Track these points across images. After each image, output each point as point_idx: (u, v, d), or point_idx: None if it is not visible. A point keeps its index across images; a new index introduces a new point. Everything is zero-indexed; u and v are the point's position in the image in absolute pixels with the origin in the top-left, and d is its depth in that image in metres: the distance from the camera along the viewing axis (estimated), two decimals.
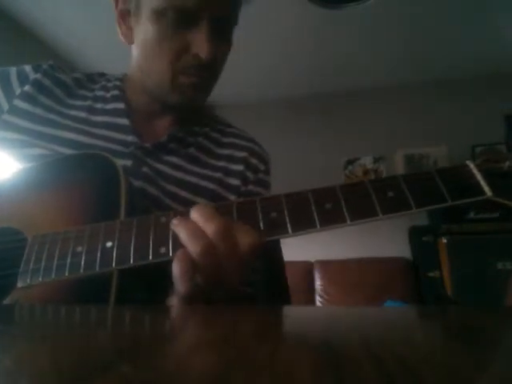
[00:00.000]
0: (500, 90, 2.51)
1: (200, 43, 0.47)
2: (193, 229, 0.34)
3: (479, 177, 0.34)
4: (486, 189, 0.34)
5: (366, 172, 2.67)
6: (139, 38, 0.51)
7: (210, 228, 0.33)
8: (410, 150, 2.61)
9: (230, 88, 2.68)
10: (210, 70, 0.51)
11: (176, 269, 0.33)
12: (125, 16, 0.53)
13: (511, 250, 1.92)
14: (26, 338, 0.19)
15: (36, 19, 1.96)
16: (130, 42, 0.53)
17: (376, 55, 2.35)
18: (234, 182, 0.56)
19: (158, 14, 0.47)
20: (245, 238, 0.33)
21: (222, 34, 0.50)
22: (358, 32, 2.10)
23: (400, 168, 2.61)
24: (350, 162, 2.70)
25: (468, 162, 0.36)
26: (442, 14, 1.96)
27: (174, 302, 0.36)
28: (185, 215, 0.36)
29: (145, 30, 0.49)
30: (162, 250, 0.34)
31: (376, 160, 2.67)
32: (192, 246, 0.33)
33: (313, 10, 1.81)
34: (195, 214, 0.35)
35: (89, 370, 0.12)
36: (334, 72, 2.54)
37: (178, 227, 0.34)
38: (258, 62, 2.38)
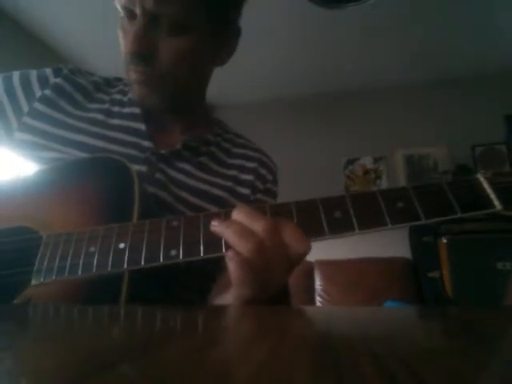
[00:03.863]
0: (500, 90, 2.51)
1: (127, 37, 0.47)
2: (240, 228, 0.33)
3: (489, 190, 0.34)
4: (497, 203, 0.34)
5: (366, 172, 2.67)
6: None
7: (258, 226, 0.33)
8: (410, 150, 2.61)
9: (231, 88, 2.68)
10: (142, 64, 0.48)
11: (235, 273, 0.33)
12: None
13: (511, 250, 1.92)
14: (29, 337, 0.19)
15: (36, 19, 1.96)
16: None
17: (376, 55, 2.35)
18: (244, 190, 0.58)
19: (120, 17, 0.49)
20: (297, 244, 0.33)
21: (165, 29, 0.47)
22: (358, 32, 2.10)
23: (400, 168, 2.61)
24: (350, 162, 2.70)
25: (478, 175, 0.36)
26: (441, 14, 1.96)
27: (233, 301, 0.36)
28: (196, 220, 0.36)
29: None
30: (173, 252, 0.35)
31: (376, 160, 2.67)
32: (243, 245, 0.32)
33: (313, 10, 1.81)
34: (240, 215, 0.34)
35: (90, 369, 0.12)
36: (334, 72, 2.54)
37: (220, 227, 0.34)
38: (258, 62, 2.38)
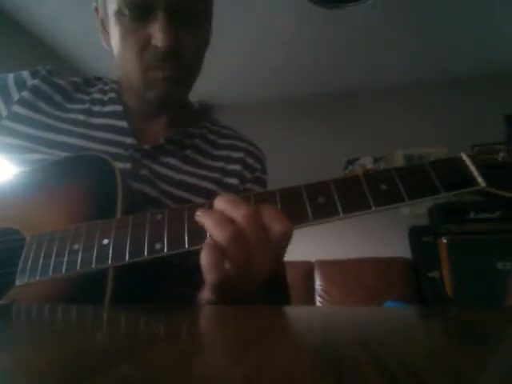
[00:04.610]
0: (500, 90, 2.51)
1: (156, 34, 0.46)
2: (219, 216, 0.33)
3: (472, 168, 0.34)
4: (480, 179, 0.34)
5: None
6: (112, 42, 0.52)
7: (238, 213, 0.32)
8: (410, 150, 2.61)
9: (231, 88, 2.68)
10: (175, 61, 0.49)
11: (204, 258, 0.32)
12: (103, 24, 0.54)
13: (511, 250, 1.92)
14: (24, 338, 0.19)
15: (36, 19, 1.96)
16: (110, 47, 0.54)
17: (376, 55, 2.35)
18: (232, 181, 0.57)
19: (118, 15, 0.48)
20: (277, 226, 0.32)
21: (186, 22, 0.48)
22: (358, 32, 2.10)
23: None
24: (350, 162, 2.71)
25: (461, 154, 0.36)
26: (441, 14, 1.96)
27: (204, 294, 0.35)
28: (180, 212, 0.36)
29: (113, 33, 0.51)
30: (157, 246, 0.35)
31: (376, 160, 2.67)
32: (220, 233, 0.32)
33: (313, 10, 1.81)
34: (221, 203, 0.34)
35: (88, 370, 0.12)
36: (334, 72, 2.54)
37: (202, 217, 0.34)
38: (259, 62, 2.38)
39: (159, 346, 0.16)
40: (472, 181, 0.34)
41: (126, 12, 0.47)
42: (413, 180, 0.34)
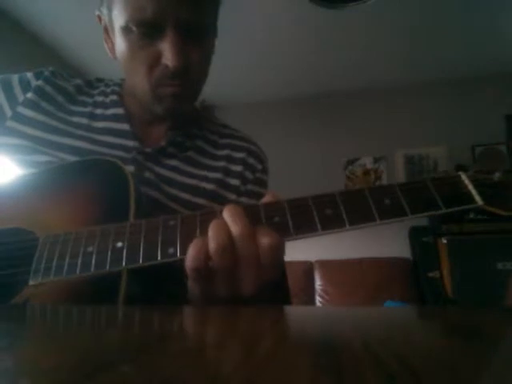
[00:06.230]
0: (500, 89, 2.52)
1: (166, 53, 0.46)
2: (220, 225, 0.34)
3: (470, 187, 0.37)
4: (477, 198, 0.36)
5: (366, 172, 2.67)
6: (118, 54, 0.52)
7: (235, 229, 0.33)
8: (410, 150, 2.61)
9: (231, 88, 2.68)
10: (185, 78, 0.49)
11: (191, 249, 0.33)
12: (107, 32, 0.54)
13: (511, 250, 1.92)
14: (29, 337, 0.19)
15: (36, 19, 1.96)
16: (115, 56, 0.54)
17: (376, 55, 2.35)
18: (234, 182, 0.57)
19: (125, 31, 0.47)
20: (265, 239, 0.33)
21: (194, 39, 0.49)
22: (358, 32, 2.10)
23: (400, 168, 2.61)
24: (350, 162, 2.71)
25: (460, 173, 0.38)
26: (442, 14, 1.96)
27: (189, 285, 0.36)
28: (192, 218, 0.37)
29: (118, 45, 0.50)
30: (171, 250, 0.35)
31: (376, 160, 2.67)
32: (213, 241, 0.33)
33: (313, 10, 1.81)
34: (225, 213, 0.35)
35: (90, 369, 0.12)
36: (334, 72, 2.54)
37: (211, 223, 0.35)
38: (259, 62, 2.38)
39: (164, 346, 0.16)
40: (470, 199, 0.36)
41: (134, 29, 0.46)
42: (415, 196, 0.37)
